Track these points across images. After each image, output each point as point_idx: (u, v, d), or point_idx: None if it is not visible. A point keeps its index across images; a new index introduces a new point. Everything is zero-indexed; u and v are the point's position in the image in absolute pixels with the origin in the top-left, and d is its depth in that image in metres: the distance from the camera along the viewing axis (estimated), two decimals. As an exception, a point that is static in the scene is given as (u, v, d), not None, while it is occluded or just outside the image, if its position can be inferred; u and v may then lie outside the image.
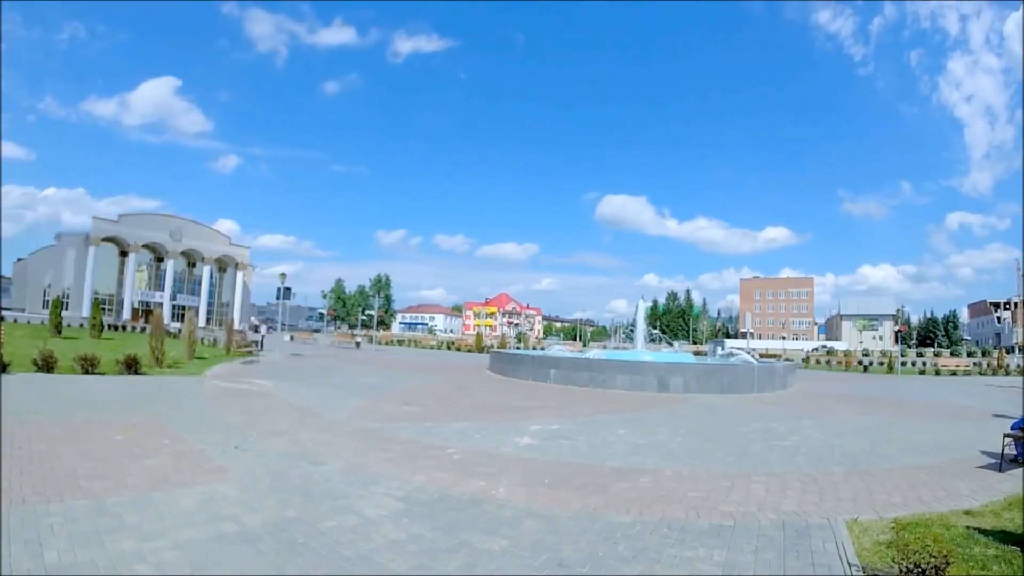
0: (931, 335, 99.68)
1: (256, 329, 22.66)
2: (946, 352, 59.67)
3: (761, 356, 24.35)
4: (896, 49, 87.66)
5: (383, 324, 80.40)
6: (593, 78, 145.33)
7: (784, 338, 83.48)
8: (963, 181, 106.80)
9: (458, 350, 39.99)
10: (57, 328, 21.83)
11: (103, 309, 30.10)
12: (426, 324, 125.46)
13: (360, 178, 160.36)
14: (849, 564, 3.54)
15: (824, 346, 63.76)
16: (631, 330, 27.74)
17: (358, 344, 36.28)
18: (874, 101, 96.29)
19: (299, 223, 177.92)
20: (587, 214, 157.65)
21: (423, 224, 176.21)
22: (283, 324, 48.16)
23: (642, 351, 21.56)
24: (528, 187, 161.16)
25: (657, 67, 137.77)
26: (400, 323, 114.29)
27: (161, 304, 68.17)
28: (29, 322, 32.94)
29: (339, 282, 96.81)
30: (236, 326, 29.57)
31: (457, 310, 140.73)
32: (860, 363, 32.55)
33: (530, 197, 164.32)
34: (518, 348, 42.99)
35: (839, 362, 34.59)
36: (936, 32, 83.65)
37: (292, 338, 41.68)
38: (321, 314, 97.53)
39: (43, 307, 59.53)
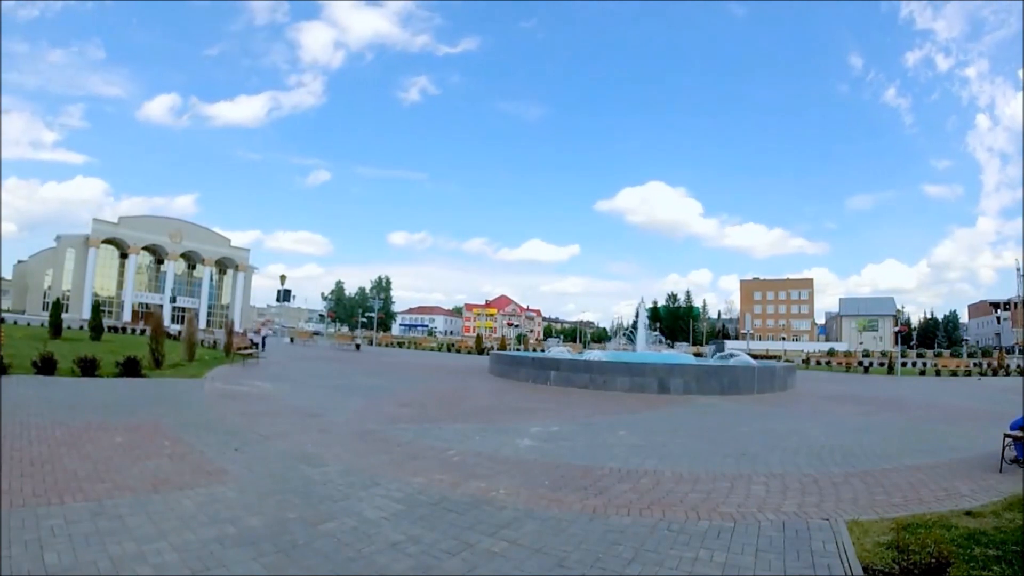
0: (931, 336, 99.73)
1: (257, 340, 22.58)
2: (946, 352, 59.68)
3: (755, 357, 24.27)
4: (940, 116, 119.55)
5: (383, 326, 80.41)
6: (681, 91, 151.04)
7: (784, 339, 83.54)
8: (974, 208, 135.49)
9: (458, 352, 39.97)
10: (57, 330, 21.81)
11: (103, 311, 30.05)
12: (426, 325, 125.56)
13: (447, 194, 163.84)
14: (850, 565, 3.53)
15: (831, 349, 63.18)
16: (631, 332, 27.77)
17: (358, 346, 36.24)
18: (914, 151, 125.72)
19: (325, 224, 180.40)
20: (620, 214, 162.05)
21: (454, 228, 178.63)
22: (283, 326, 48.18)
23: (642, 352, 21.59)
24: (570, 187, 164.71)
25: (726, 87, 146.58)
26: (400, 325, 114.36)
27: (161, 306, 68.22)
28: (29, 324, 32.92)
29: (339, 284, 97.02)
30: (236, 328, 29.56)
31: (457, 311, 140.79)
32: (860, 364, 32.54)
33: (572, 197, 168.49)
34: (518, 350, 43.00)
35: (839, 363, 34.60)
36: (971, 106, 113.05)
37: (292, 340, 41.71)
38: (321, 316, 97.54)
39: (43, 309, 59.59)
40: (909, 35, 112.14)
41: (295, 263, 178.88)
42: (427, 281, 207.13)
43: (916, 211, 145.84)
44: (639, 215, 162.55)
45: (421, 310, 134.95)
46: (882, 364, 32.55)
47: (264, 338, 23.70)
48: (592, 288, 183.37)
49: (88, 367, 11.35)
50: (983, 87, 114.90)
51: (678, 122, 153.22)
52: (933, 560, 3.14)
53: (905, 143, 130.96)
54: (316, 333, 55.73)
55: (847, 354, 46.21)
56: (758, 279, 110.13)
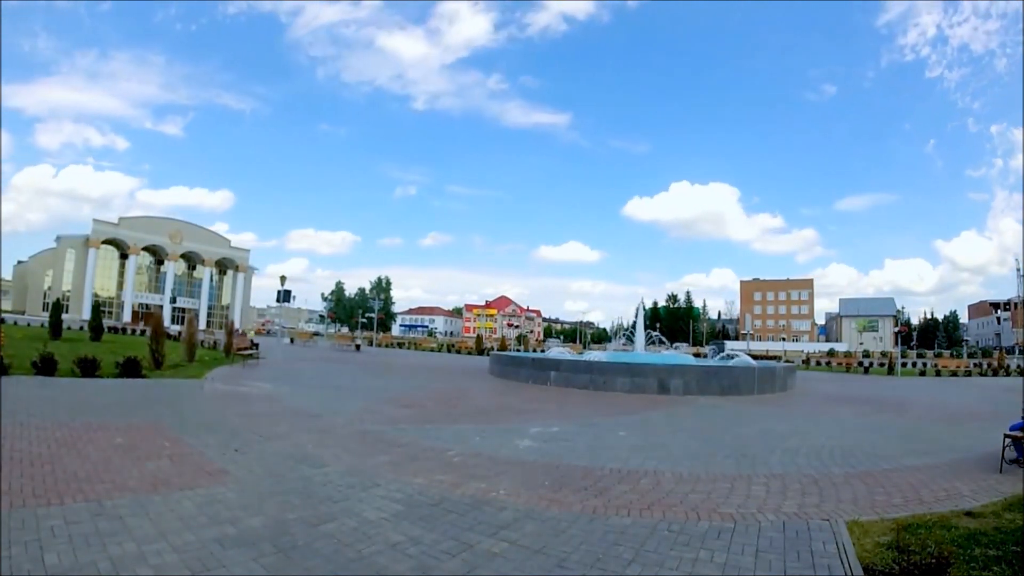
0: (931, 336, 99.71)
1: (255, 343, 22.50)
2: (946, 353, 59.69)
3: (755, 357, 24.35)
4: (966, 162, 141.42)
5: (383, 326, 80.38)
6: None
7: (784, 340, 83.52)
8: (983, 223, 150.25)
9: (458, 352, 39.95)
10: (56, 331, 21.79)
11: (103, 312, 30.03)
12: (426, 326, 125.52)
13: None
14: (850, 565, 3.53)
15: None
16: (631, 332, 27.75)
17: (358, 347, 36.22)
18: (938, 171, 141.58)
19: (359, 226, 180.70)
20: (654, 218, 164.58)
21: (487, 231, 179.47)
22: (282, 327, 48.16)
23: (642, 353, 21.59)
24: (604, 192, 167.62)
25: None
26: (400, 325, 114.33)
27: (161, 307, 68.22)
28: (29, 324, 32.92)
29: (339, 284, 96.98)
30: (236, 328, 29.49)
31: (457, 312, 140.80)
32: (860, 364, 32.53)
33: (608, 201, 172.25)
34: (518, 350, 42.98)
35: (839, 363, 34.58)
36: (991, 153, 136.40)
37: (292, 341, 41.69)
38: (321, 316, 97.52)
39: (43, 309, 59.59)
40: (952, 111, 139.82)
41: (317, 264, 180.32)
42: (443, 283, 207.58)
43: (933, 217, 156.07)
44: (677, 222, 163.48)
45: (421, 311, 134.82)
46: (882, 364, 32.55)
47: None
48: (611, 292, 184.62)
49: (88, 368, 11.35)
50: (1003, 138, 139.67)
51: (736, 130, 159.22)
52: (933, 560, 3.14)
53: (934, 176, 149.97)
54: (316, 334, 55.71)
55: (847, 355, 46.22)
56: (758, 279, 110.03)
